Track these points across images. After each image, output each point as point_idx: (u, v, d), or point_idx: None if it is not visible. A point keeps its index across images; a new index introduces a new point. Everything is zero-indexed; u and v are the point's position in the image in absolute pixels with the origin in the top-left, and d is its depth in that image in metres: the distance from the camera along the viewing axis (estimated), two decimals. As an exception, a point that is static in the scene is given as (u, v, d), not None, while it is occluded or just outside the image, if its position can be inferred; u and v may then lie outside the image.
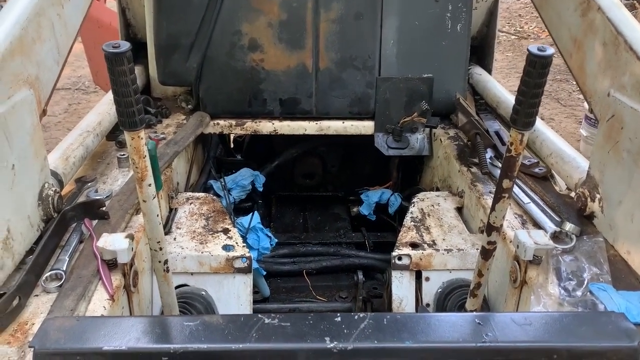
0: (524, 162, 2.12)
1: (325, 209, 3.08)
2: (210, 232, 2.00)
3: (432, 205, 2.22)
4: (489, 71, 3.09)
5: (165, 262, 1.47)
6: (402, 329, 1.18)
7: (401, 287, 1.95)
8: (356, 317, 1.20)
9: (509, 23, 10.26)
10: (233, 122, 2.65)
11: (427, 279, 1.94)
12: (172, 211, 2.14)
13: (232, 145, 3.46)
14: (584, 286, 1.53)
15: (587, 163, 1.91)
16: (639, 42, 1.66)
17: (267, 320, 1.18)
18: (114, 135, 2.38)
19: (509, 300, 1.72)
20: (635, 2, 8.83)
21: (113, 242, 1.55)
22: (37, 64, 1.72)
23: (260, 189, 2.78)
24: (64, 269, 1.54)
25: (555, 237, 1.72)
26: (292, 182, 3.23)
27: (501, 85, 2.84)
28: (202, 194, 2.28)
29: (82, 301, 1.44)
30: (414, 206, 2.22)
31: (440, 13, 2.59)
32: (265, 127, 2.65)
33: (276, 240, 2.33)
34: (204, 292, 1.87)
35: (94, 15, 4.18)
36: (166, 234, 1.96)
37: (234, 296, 1.91)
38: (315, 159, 3.17)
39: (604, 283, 1.53)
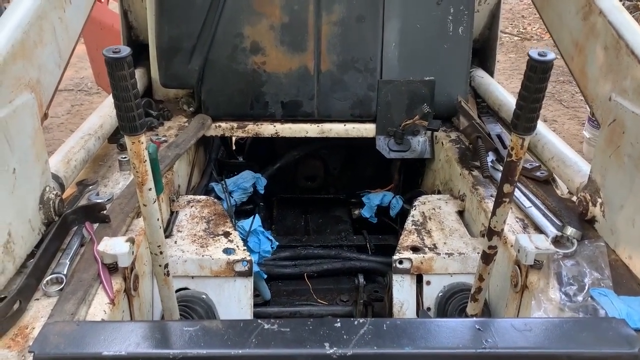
0: (525, 166, 2.12)
1: (326, 212, 3.08)
2: (211, 236, 2.00)
3: (434, 209, 2.22)
4: (491, 74, 3.09)
5: (166, 266, 1.47)
6: (401, 334, 1.18)
7: (402, 291, 1.95)
8: (356, 322, 1.20)
9: (512, 24, 10.25)
10: (235, 124, 2.66)
11: (428, 282, 1.94)
12: (173, 214, 2.14)
13: (233, 148, 3.46)
14: (585, 291, 1.52)
15: (589, 167, 1.90)
16: (640, 47, 1.65)
17: (266, 326, 1.18)
18: (115, 137, 2.38)
19: (510, 305, 1.72)
20: (638, 2, 8.81)
21: (114, 246, 1.55)
22: (38, 67, 1.72)
23: (262, 192, 2.78)
24: (65, 272, 1.54)
25: (556, 241, 1.71)
26: (294, 185, 3.23)
27: (503, 88, 2.84)
28: (203, 197, 2.29)
29: (83, 305, 1.44)
30: (415, 209, 2.22)
31: (442, 16, 2.59)
32: (267, 129, 2.65)
33: (277, 243, 2.33)
34: (204, 296, 1.87)
35: (97, 17, 4.20)
36: (167, 237, 1.96)
37: (234, 300, 1.91)
38: (317, 161, 3.18)
39: (605, 288, 1.52)
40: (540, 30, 9.75)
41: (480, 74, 3.06)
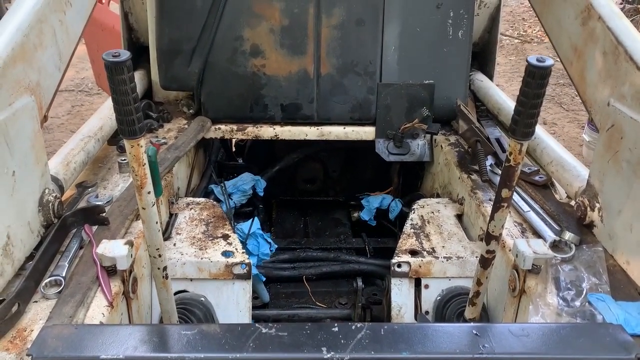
0: (524, 170, 2.12)
1: (325, 214, 3.09)
2: (210, 238, 2.01)
3: (432, 212, 2.22)
4: (491, 77, 3.09)
5: (165, 268, 1.47)
6: (399, 339, 1.18)
7: (400, 295, 1.95)
8: (353, 327, 1.20)
9: (512, 27, 10.27)
10: (234, 127, 2.66)
11: (427, 286, 1.95)
12: (172, 216, 2.14)
13: (233, 150, 3.47)
14: (582, 296, 1.52)
15: (588, 171, 1.91)
16: (639, 52, 1.66)
17: (264, 330, 1.19)
18: (115, 140, 2.39)
19: (508, 309, 1.72)
20: (639, 6, 8.82)
21: (112, 248, 1.55)
22: (38, 70, 1.73)
23: (261, 194, 2.79)
24: (64, 275, 1.54)
25: (554, 246, 1.71)
26: (293, 187, 3.24)
27: (503, 92, 2.84)
28: (202, 200, 2.29)
29: (81, 308, 1.44)
30: (414, 213, 2.22)
31: (441, 19, 2.60)
32: (267, 132, 2.66)
33: (276, 246, 2.34)
34: (203, 299, 1.88)
35: (97, 18, 4.20)
36: (166, 239, 1.97)
37: (233, 302, 1.91)
38: (316, 164, 3.19)
39: (602, 293, 1.53)
40: (541, 33, 9.76)
41: (480, 78, 3.06)
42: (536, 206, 1.97)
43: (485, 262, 1.53)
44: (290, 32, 2.56)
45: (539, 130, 2.31)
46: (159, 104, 2.85)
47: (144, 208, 1.35)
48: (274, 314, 2.25)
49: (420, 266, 1.93)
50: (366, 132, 2.67)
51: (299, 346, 1.16)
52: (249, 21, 2.55)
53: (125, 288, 1.60)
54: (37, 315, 1.41)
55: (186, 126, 2.64)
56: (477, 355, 1.15)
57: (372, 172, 3.19)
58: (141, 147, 1.27)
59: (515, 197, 2.00)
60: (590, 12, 1.86)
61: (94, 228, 1.76)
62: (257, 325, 1.20)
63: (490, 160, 2.30)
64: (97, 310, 1.46)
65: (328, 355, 1.13)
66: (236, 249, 1.95)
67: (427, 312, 1.94)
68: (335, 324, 1.21)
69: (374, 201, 2.79)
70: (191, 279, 1.90)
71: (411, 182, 2.98)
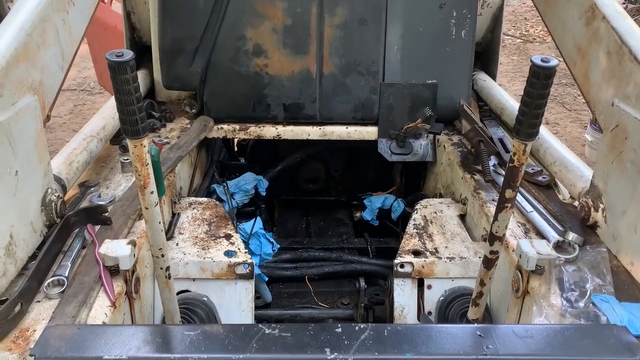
0: (527, 170, 2.11)
1: (328, 214, 3.08)
2: (213, 238, 2.01)
3: (435, 212, 2.22)
4: (494, 77, 3.08)
5: (167, 268, 1.47)
6: (402, 340, 1.18)
7: (403, 295, 1.95)
8: (357, 328, 1.20)
9: (514, 26, 10.24)
10: (237, 126, 2.66)
11: (429, 287, 1.94)
12: (174, 216, 2.14)
13: (235, 150, 3.46)
14: (586, 297, 1.52)
15: (591, 172, 1.90)
16: (643, 53, 1.65)
17: (267, 331, 1.19)
18: (117, 139, 2.39)
19: (511, 310, 1.72)
20: (641, 6, 8.80)
21: (115, 248, 1.55)
22: (41, 69, 1.73)
23: (264, 194, 2.79)
24: (66, 275, 1.54)
25: (558, 246, 1.71)
26: (296, 187, 3.23)
27: (506, 92, 2.84)
28: (205, 199, 2.29)
29: (84, 308, 1.44)
30: (416, 213, 2.22)
31: (444, 19, 2.59)
32: (269, 131, 2.66)
33: (278, 245, 2.34)
34: (205, 298, 1.88)
35: (100, 17, 4.20)
36: (168, 239, 1.97)
37: (235, 302, 1.91)
38: (319, 163, 3.18)
39: (606, 294, 1.52)
40: (543, 32, 9.74)
41: (483, 78, 3.06)
42: (539, 206, 1.96)
43: (488, 263, 1.52)
44: (292, 31, 2.56)
45: (542, 130, 2.31)
46: (161, 104, 2.85)
47: (146, 208, 1.35)
48: (276, 314, 2.24)
49: (423, 266, 1.93)
50: (369, 132, 2.67)
51: (302, 347, 1.16)
52: (252, 21, 2.55)
53: (128, 288, 1.60)
54: (39, 315, 1.41)
55: (189, 126, 2.63)
56: (481, 356, 1.15)
57: (374, 172, 3.19)
58: (144, 147, 1.27)
59: (519, 197, 1.99)
60: (594, 12, 1.86)
61: (97, 228, 1.75)
62: (260, 325, 1.20)
63: (493, 161, 2.29)
64: (99, 310, 1.46)
65: (332, 356, 1.13)
66: (239, 249, 1.95)
67: (429, 313, 1.93)
68: (339, 325, 1.20)
69: (376, 201, 2.78)
70: (194, 279, 1.90)
71: (414, 182, 2.98)
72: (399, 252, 1.97)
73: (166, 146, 2.38)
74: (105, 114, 2.40)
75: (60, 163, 1.95)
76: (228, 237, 2.01)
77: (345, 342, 1.16)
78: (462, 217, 2.22)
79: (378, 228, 2.82)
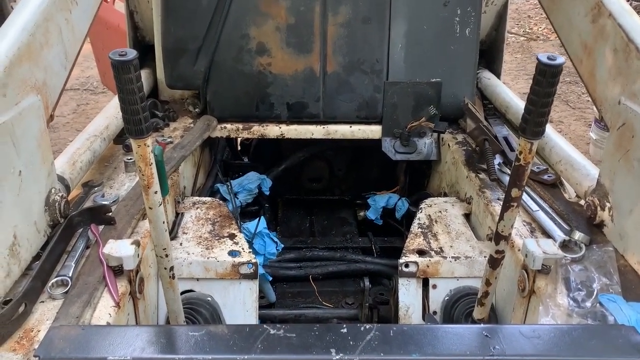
0: (532, 169, 2.10)
1: (332, 213, 3.08)
2: (217, 238, 2.00)
3: (440, 212, 2.21)
4: (498, 75, 3.07)
5: (171, 268, 1.47)
6: (408, 341, 1.17)
7: (408, 295, 1.94)
8: (362, 328, 1.19)
9: (517, 24, 10.21)
10: (240, 125, 2.65)
11: (435, 286, 1.93)
12: (178, 216, 2.14)
13: (239, 149, 3.46)
14: (593, 297, 1.51)
15: (597, 170, 1.89)
16: (650, 50, 1.64)
17: (272, 331, 1.18)
18: (121, 139, 2.38)
19: (517, 310, 1.71)
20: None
21: (119, 248, 1.55)
22: (44, 69, 1.72)
23: (267, 193, 2.78)
24: (70, 275, 1.54)
25: (564, 246, 1.70)
26: (299, 186, 3.22)
27: (510, 90, 2.82)
28: (208, 199, 2.28)
29: (88, 308, 1.43)
30: (421, 212, 2.21)
31: (449, 17, 2.58)
32: (273, 131, 2.65)
33: (282, 245, 2.33)
34: (209, 298, 1.87)
35: (103, 16, 4.20)
36: (172, 239, 1.96)
37: (239, 302, 1.90)
38: (322, 162, 3.17)
39: (613, 294, 1.51)
40: (547, 30, 9.71)
41: (487, 76, 3.04)
42: (545, 205, 1.95)
43: (494, 262, 1.51)
44: (296, 30, 2.55)
45: (548, 128, 2.28)
46: (164, 103, 2.84)
47: (150, 208, 1.34)
48: (280, 313, 2.24)
49: (428, 266, 1.92)
50: (372, 131, 2.66)
51: (307, 347, 1.15)
52: (255, 19, 2.54)
53: (132, 288, 1.59)
54: (43, 316, 1.41)
55: (192, 125, 2.63)
56: (488, 357, 1.14)
57: (378, 170, 3.18)
58: (148, 146, 1.26)
59: (524, 196, 1.98)
60: (600, 9, 1.84)
61: (101, 228, 1.75)
62: (265, 326, 1.19)
63: (498, 159, 2.28)
64: (103, 310, 1.46)
65: (337, 357, 1.12)
66: (243, 249, 1.94)
67: (434, 313, 1.92)
68: (344, 325, 1.20)
69: (380, 200, 2.77)
70: (198, 279, 1.89)
71: (418, 181, 2.97)
72: (404, 251, 1.96)
73: (169, 146, 2.38)
74: (109, 114, 2.40)
75: (63, 163, 1.95)
76: (232, 236, 2.01)
77: (351, 342, 1.15)
78: (467, 216, 2.21)
79: (382, 227, 2.81)
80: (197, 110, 2.74)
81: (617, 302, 1.47)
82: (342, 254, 2.55)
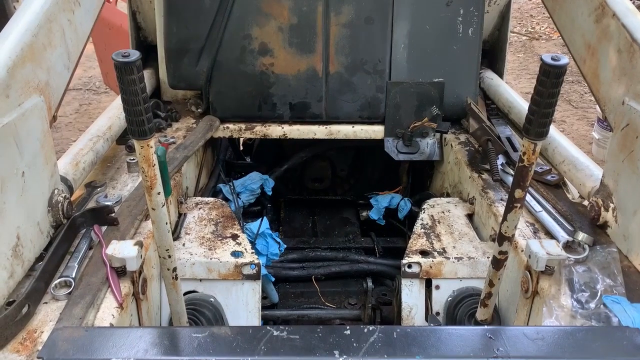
0: (535, 169, 2.09)
1: (334, 213, 3.07)
2: (219, 238, 2.00)
3: (443, 212, 2.20)
4: (501, 75, 3.06)
5: (174, 269, 1.47)
6: (412, 342, 1.17)
7: (411, 296, 1.93)
8: (366, 330, 1.19)
9: (520, 23, 10.19)
10: (243, 126, 2.65)
11: (437, 287, 1.93)
12: (181, 216, 2.14)
13: (241, 149, 3.46)
14: (597, 298, 1.50)
15: (601, 171, 1.88)
16: (655, 50, 1.63)
17: (275, 333, 1.18)
18: (124, 139, 2.38)
19: (520, 311, 1.70)
20: (648, 2, 8.73)
21: (122, 249, 1.55)
22: (47, 70, 1.72)
23: (270, 193, 2.78)
24: (73, 276, 1.54)
25: (567, 246, 1.69)
26: (302, 186, 3.22)
27: (513, 90, 2.82)
28: (211, 199, 2.28)
29: (91, 309, 1.43)
30: (424, 212, 2.20)
31: (451, 17, 2.57)
32: (275, 131, 2.65)
33: (285, 245, 2.33)
34: (212, 299, 1.87)
35: (105, 16, 4.20)
36: (175, 239, 1.96)
37: (242, 303, 1.90)
38: (325, 162, 3.17)
39: (617, 295, 1.50)
40: (549, 29, 9.69)
41: (490, 76, 3.04)
42: (548, 206, 1.94)
43: (497, 263, 1.51)
44: (298, 30, 2.54)
45: (551, 128, 2.28)
46: (167, 103, 2.84)
47: (153, 209, 1.34)
48: (283, 314, 2.23)
49: (431, 267, 1.91)
50: (375, 131, 2.65)
51: (310, 349, 1.15)
52: (258, 20, 2.54)
53: (135, 289, 1.59)
54: (47, 317, 1.41)
55: (194, 125, 2.63)
56: (492, 358, 1.14)
57: (381, 171, 3.18)
58: (151, 147, 1.26)
59: (527, 196, 1.97)
60: (604, 9, 1.84)
61: (104, 228, 1.75)
62: (268, 327, 1.19)
63: (501, 160, 2.27)
64: (107, 311, 1.46)
65: (341, 359, 1.12)
66: (245, 249, 1.94)
67: (437, 313, 1.92)
68: (348, 327, 1.19)
69: (382, 200, 2.77)
70: (200, 280, 1.89)
71: (420, 181, 2.96)
72: (407, 252, 1.96)
73: (172, 146, 2.38)
74: (111, 114, 2.40)
75: (66, 163, 1.95)
76: (235, 237, 2.01)
77: (354, 344, 1.15)
78: (470, 216, 2.20)
79: (385, 227, 2.81)
80: (199, 110, 2.74)
81: (621, 303, 1.47)
82: (345, 255, 2.54)
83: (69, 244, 1.67)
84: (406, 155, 2.63)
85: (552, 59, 1.21)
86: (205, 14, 2.53)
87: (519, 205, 1.39)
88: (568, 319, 1.47)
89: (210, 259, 1.89)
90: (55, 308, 1.44)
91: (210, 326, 1.73)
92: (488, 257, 1.85)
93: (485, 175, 2.23)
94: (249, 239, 2.06)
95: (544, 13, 9.95)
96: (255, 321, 1.91)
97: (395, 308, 2.08)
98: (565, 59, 1.21)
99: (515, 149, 2.33)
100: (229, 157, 3.15)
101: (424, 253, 1.95)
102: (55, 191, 1.71)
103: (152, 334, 1.22)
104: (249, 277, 1.89)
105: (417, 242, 2.01)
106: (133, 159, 2.16)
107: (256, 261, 1.89)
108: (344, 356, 1.12)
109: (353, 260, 2.49)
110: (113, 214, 1.78)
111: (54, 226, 1.69)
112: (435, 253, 1.95)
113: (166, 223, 1.38)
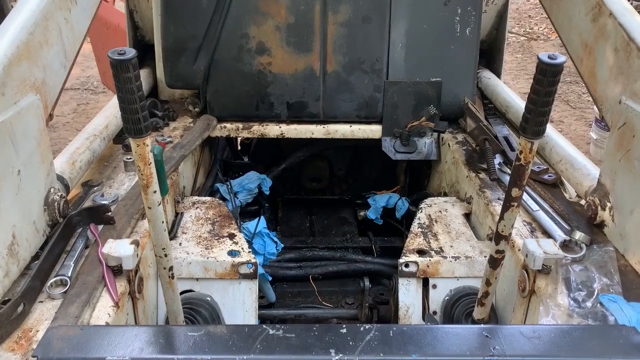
0: (533, 169, 2.10)
1: (332, 213, 3.07)
2: (216, 237, 2.00)
3: (440, 211, 2.20)
4: (498, 75, 3.06)
5: (171, 268, 1.46)
6: (408, 341, 1.17)
7: (408, 295, 1.93)
8: (362, 328, 1.19)
9: (518, 24, 10.20)
10: (240, 125, 2.65)
11: (435, 286, 1.93)
12: (178, 215, 2.13)
13: (239, 148, 3.45)
14: (594, 297, 1.50)
15: (598, 170, 1.88)
16: (651, 49, 1.63)
17: (271, 331, 1.17)
18: (120, 138, 2.38)
19: (517, 310, 1.70)
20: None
21: (118, 248, 1.54)
22: (43, 68, 1.72)
23: (267, 192, 2.77)
24: (69, 275, 1.53)
25: (564, 246, 1.69)
26: (299, 186, 3.22)
27: (511, 90, 2.82)
28: (208, 198, 2.28)
29: (87, 308, 1.43)
30: (421, 212, 2.20)
31: (449, 17, 2.57)
32: (273, 130, 2.65)
33: (282, 245, 2.32)
34: (209, 298, 1.86)
35: (102, 16, 4.20)
36: (172, 238, 1.96)
37: (239, 302, 1.90)
38: (323, 162, 3.17)
39: (614, 294, 1.50)
40: (547, 30, 9.70)
41: (487, 75, 3.04)
42: (545, 205, 1.94)
43: (494, 263, 1.51)
44: (296, 29, 2.54)
45: (548, 128, 2.28)
46: (164, 103, 2.84)
47: (149, 207, 1.34)
48: (280, 313, 2.23)
49: (428, 266, 1.91)
50: (372, 131, 2.65)
51: (306, 348, 1.14)
52: (255, 19, 2.53)
53: (131, 288, 1.59)
54: (42, 316, 1.40)
55: (192, 125, 2.62)
56: (488, 357, 1.14)
57: (378, 170, 3.18)
58: (147, 146, 1.25)
59: (524, 196, 1.97)
60: (601, 8, 1.84)
61: (100, 227, 1.75)
62: (264, 326, 1.19)
63: (498, 159, 2.28)
64: (102, 310, 1.45)
65: (336, 357, 1.11)
66: (242, 249, 1.94)
67: (434, 313, 1.92)
68: (344, 326, 1.19)
69: (380, 200, 2.77)
70: (197, 279, 1.89)
71: (418, 180, 2.96)
72: (404, 251, 1.96)
73: (169, 145, 2.37)
74: (108, 113, 2.39)
75: (63, 162, 1.94)
76: (232, 236, 2.00)
77: (351, 343, 1.15)
78: (467, 216, 2.20)
79: (382, 227, 2.81)
80: (197, 109, 2.73)
81: (618, 302, 1.47)
82: (342, 254, 2.54)
83: (65, 242, 1.67)
84: (404, 155, 2.63)
85: (549, 57, 1.21)
86: (203, 13, 2.53)
87: (516, 204, 1.39)
88: (565, 317, 1.47)
89: (207, 258, 1.89)
90: (50, 307, 1.43)
91: (206, 325, 1.73)
92: (485, 256, 1.85)
93: (482, 175, 2.23)
94: (246, 239, 2.06)
95: (542, 14, 9.96)
96: (252, 321, 1.90)
97: (392, 307, 2.08)
98: (562, 58, 1.21)
99: (512, 149, 2.33)
100: (227, 157, 3.14)
101: (421, 252, 1.95)
102: (52, 190, 1.71)
103: (148, 332, 1.22)
104: (246, 277, 1.88)
105: (414, 241, 2.01)
106: (130, 158, 2.16)
107: (253, 260, 1.88)
108: (340, 355, 1.12)
109: (350, 259, 2.49)
110: (109, 213, 1.77)
111: (50, 225, 1.69)
112: (433, 252, 1.95)
113: (162, 222, 1.37)
